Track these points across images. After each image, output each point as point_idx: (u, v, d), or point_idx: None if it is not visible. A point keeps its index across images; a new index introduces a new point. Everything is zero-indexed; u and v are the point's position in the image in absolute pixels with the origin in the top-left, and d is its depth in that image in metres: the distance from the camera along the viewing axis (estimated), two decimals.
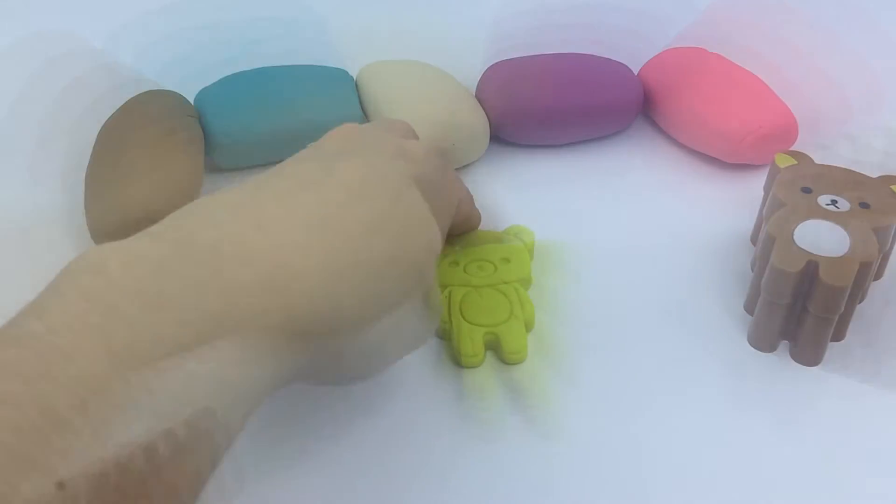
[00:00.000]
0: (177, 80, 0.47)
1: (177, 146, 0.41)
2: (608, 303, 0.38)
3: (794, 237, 0.34)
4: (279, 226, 0.25)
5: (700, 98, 0.46)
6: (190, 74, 0.48)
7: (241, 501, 0.30)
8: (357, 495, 0.30)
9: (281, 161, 0.29)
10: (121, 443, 0.18)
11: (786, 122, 0.45)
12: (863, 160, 0.39)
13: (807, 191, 0.36)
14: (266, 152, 0.44)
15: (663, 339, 0.36)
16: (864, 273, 0.33)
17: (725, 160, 0.46)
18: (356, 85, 0.48)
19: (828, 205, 0.36)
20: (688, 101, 0.46)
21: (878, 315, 0.37)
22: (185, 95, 0.46)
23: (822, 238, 0.34)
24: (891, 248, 0.37)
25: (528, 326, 0.36)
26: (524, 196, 0.45)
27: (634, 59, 0.50)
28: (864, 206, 0.36)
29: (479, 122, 0.45)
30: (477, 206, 0.39)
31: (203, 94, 0.46)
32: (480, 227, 0.40)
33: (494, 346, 0.35)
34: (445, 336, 0.36)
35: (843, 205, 0.36)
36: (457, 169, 0.46)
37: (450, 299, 0.36)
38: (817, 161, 0.39)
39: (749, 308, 0.37)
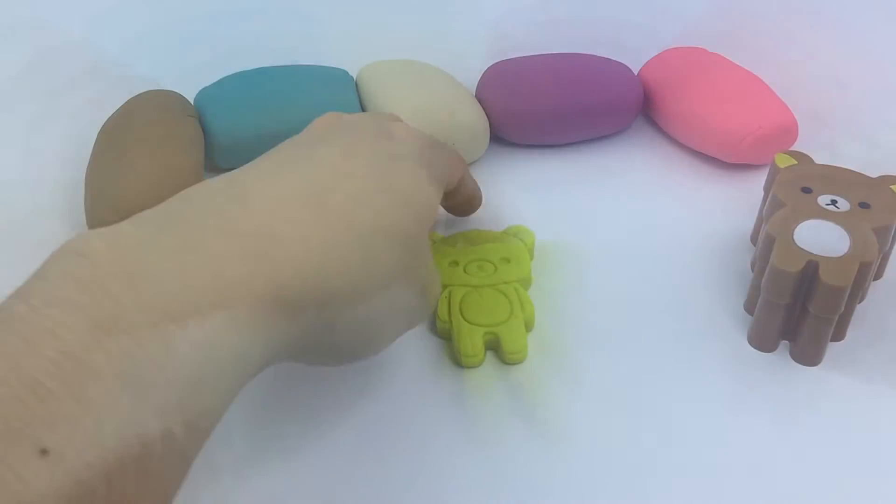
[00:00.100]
0: (177, 80, 0.47)
1: (177, 146, 0.41)
2: (608, 303, 0.38)
3: (794, 237, 0.34)
4: (263, 200, 0.25)
5: (700, 98, 0.46)
6: (190, 74, 0.48)
7: (238, 499, 0.30)
8: (356, 495, 0.30)
9: None
10: (107, 414, 0.18)
11: (786, 122, 0.45)
12: (863, 160, 0.39)
13: (807, 191, 0.36)
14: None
15: (663, 338, 0.36)
16: (864, 273, 0.33)
17: (725, 160, 0.46)
18: (356, 85, 0.48)
19: (828, 205, 0.36)
20: (688, 101, 0.46)
21: (878, 315, 0.37)
22: (185, 95, 0.46)
23: (822, 238, 0.34)
24: (891, 248, 0.37)
25: (528, 326, 0.36)
26: (524, 196, 0.45)
27: (634, 59, 0.50)
28: (864, 206, 0.36)
29: (479, 122, 0.45)
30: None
31: (203, 94, 0.46)
32: (480, 228, 0.40)
33: (494, 346, 0.35)
34: (445, 336, 0.36)
35: (843, 205, 0.36)
36: None
37: (450, 299, 0.36)
38: (818, 161, 0.39)
39: (749, 308, 0.37)
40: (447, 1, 0.64)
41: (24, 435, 0.17)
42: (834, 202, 0.36)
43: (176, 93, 0.46)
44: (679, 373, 0.34)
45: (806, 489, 0.30)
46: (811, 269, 0.33)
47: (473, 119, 0.45)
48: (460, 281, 0.37)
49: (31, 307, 0.19)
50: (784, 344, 0.35)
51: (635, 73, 0.50)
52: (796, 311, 0.34)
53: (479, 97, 0.48)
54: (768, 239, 0.34)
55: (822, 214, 0.35)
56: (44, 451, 0.17)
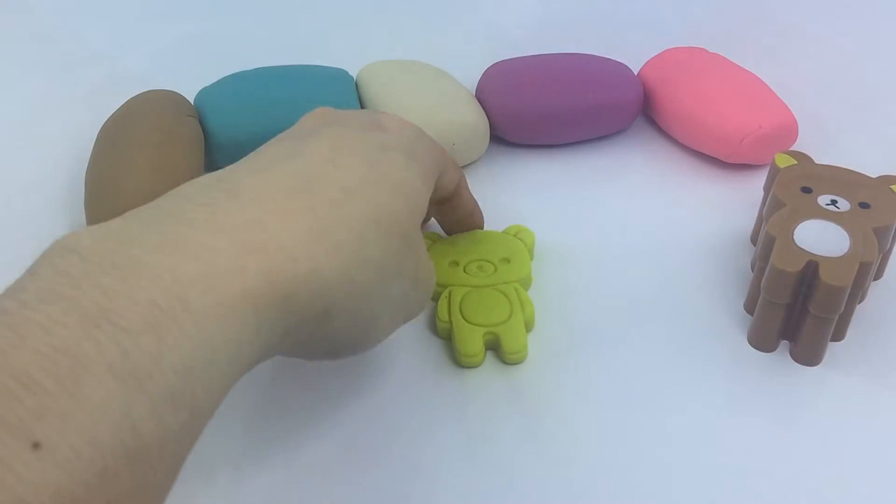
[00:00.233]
0: (177, 80, 0.47)
1: (177, 146, 0.41)
2: (608, 303, 0.38)
3: (794, 237, 0.34)
4: (252, 193, 0.25)
5: (700, 98, 0.46)
6: (190, 74, 0.48)
7: (237, 498, 0.30)
8: (356, 495, 0.30)
9: None
10: (100, 405, 0.18)
11: (786, 122, 0.45)
12: (863, 160, 0.39)
13: (807, 191, 0.36)
14: None
15: (663, 338, 0.36)
16: (864, 273, 0.33)
17: (725, 160, 0.46)
18: (356, 85, 0.48)
19: (828, 205, 0.36)
20: (688, 101, 0.46)
21: (878, 315, 0.37)
22: (185, 95, 0.46)
23: (822, 238, 0.34)
24: (891, 248, 0.37)
25: (528, 326, 0.36)
26: (524, 196, 0.45)
27: (634, 59, 0.50)
28: (864, 206, 0.36)
29: (479, 122, 0.45)
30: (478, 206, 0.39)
31: (203, 94, 0.46)
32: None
33: (494, 346, 0.35)
34: (445, 336, 0.36)
35: (843, 205, 0.36)
36: None
37: (450, 299, 0.36)
38: (818, 161, 0.39)
39: (749, 308, 0.37)
40: (447, 1, 0.64)
41: (15, 429, 0.17)
42: (834, 202, 0.36)
43: (176, 93, 0.46)
44: (679, 373, 0.34)
45: (806, 489, 0.30)
46: (811, 269, 0.33)
47: (473, 119, 0.45)
48: (460, 281, 0.37)
49: (22, 303, 0.19)
50: (784, 344, 0.35)
51: (635, 73, 0.50)
52: (796, 311, 0.34)
53: (479, 97, 0.48)
54: (768, 239, 0.34)
55: (822, 214, 0.35)
56: (36, 445, 0.17)
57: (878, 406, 0.33)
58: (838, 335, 0.35)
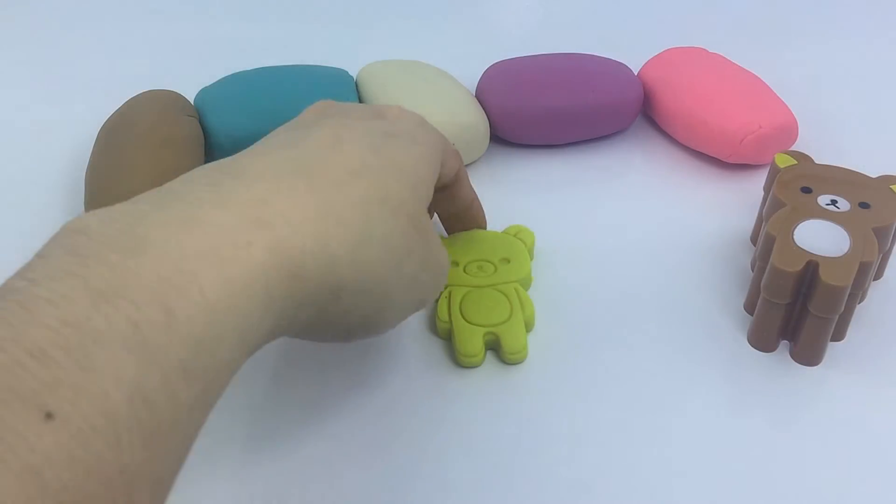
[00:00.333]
0: (177, 80, 0.47)
1: (177, 146, 0.41)
2: (608, 303, 0.38)
3: (794, 237, 0.34)
4: (257, 175, 0.25)
5: (700, 98, 0.46)
6: (190, 74, 0.48)
7: (237, 496, 0.30)
8: (356, 494, 0.30)
9: None
10: (111, 378, 0.18)
11: (786, 122, 0.45)
12: (863, 160, 0.39)
13: (807, 191, 0.36)
14: None
15: (663, 338, 0.36)
16: (864, 273, 0.33)
17: (725, 160, 0.46)
18: (356, 85, 0.48)
19: (828, 205, 0.36)
20: (688, 101, 0.46)
21: (878, 315, 0.37)
22: (185, 95, 0.46)
23: (822, 238, 0.34)
24: (891, 248, 0.37)
25: (528, 326, 0.36)
26: (524, 196, 0.45)
27: (634, 59, 0.50)
28: (864, 206, 0.36)
29: (479, 122, 0.45)
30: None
31: (203, 94, 0.46)
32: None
33: (494, 346, 0.35)
34: (445, 336, 0.36)
35: (843, 205, 0.36)
36: None
37: (450, 299, 0.36)
38: (818, 161, 0.39)
39: (749, 308, 0.37)
40: (447, 1, 0.64)
41: (28, 400, 0.17)
42: (834, 202, 0.36)
43: (176, 93, 0.46)
44: (679, 372, 0.34)
45: (806, 489, 0.30)
46: (811, 269, 0.33)
47: (473, 119, 0.45)
48: (460, 281, 0.37)
49: (31, 281, 0.19)
50: (784, 344, 0.35)
51: (635, 73, 0.50)
52: (796, 311, 0.34)
53: (479, 97, 0.48)
54: (768, 239, 0.34)
55: (822, 214, 0.35)
56: (49, 416, 0.17)
57: (878, 406, 0.33)
58: (838, 335, 0.35)
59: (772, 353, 0.35)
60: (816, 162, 0.39)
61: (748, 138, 0.44)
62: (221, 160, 0.27)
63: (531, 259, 0.39)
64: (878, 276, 0.38)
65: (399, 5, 0.64)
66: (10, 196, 0.45)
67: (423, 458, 0.31)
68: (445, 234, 0.40)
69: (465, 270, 0.37)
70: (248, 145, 0.29)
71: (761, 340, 0.35)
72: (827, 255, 0.33)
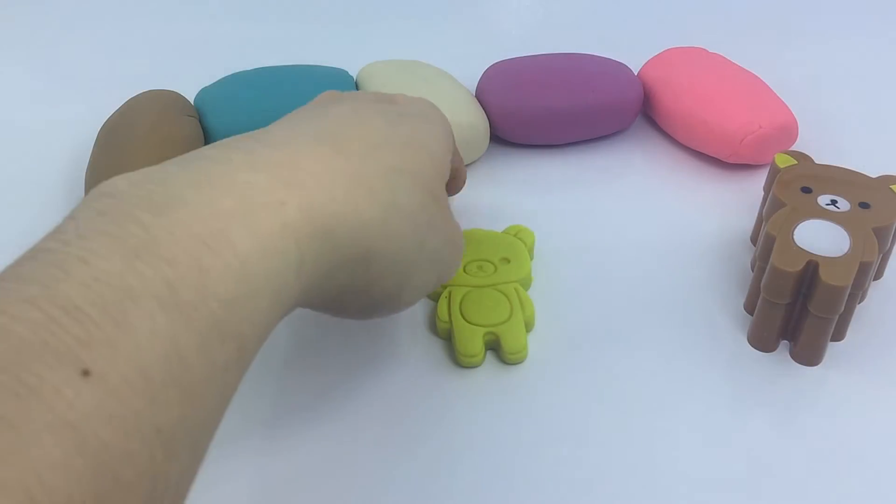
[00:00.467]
0: (177, 80, 0.47)
1: (177, 146, 0.41)
2: (608, 303, 0.38)
3: (794, 237, 0.34)
4: (285, 142, 0.25)
5: (700, 98, 0.46)
6: (190, 74, 0.48)
7: (237, 495, 0.30)
8: (355, 494, 0.30)
9: None
10: (146, 335, 0.18)
11: (786, 122, 0.45)
12: (863, 160, 0.39)
13: (807, 191, 0.36)
14: None
15: (663, 339, 0.36)
16: (864, 273, 0.33)
17: (725, 160, 0.46)
18: (356, 85, 0.48)
19: (828, 205, 0.36)
20: (688, 101, 0.46)
21: (878, 315, 0.37)
22: (185, 95, 0.46)
23: (822, 238, 0.34)
24: (891, 248, 0.37)
25: (528, 326, 0.36)
26: (524, 196, 0.45)
27: (634, 59, 0.50)
28: (864, 206, 0.36)
29: (479, 122, 0.45)
30: (477, 206, 0.39)
31: (203, 94, 0.46)
32: (480, 228, 0.40)
33: (494, 346, 0.35)
34: (445, 336, 0.36)
35: (843, 205, 0.36)
36: None
37: (450, 299, 0.36)
38: (818, 161, 0.39)
39: (749, 308, 0.37)
40: (447, 1, 0.64)
41: (65, 357, 0.17)
42: (834, 202, 0.36)
43: (176, 93, 0.46)
44: (679, 372, 0.34)
45: (806, 489, 0.30)
46: (811, 269, 0.33)
47: (473, 119, 0.45)
48: (460, 281, 0.37)
49: (63, 242, 0.19)
50: (784, 344, 0.35)
51: (635, 73, 0.50)
52: (796, 311, 0.34)
53: (479, 97, 0.48)
54: (768, 239, 0.34)
55: (822, 214, 0.35)
56: (85, 372, 0.17)
57: (878, 406, 0.33)
58: (838, 335, 0.35)
59: (772, 353, 0.35)
60: (816, 162, 0.39)
61: (748, 138, 0.44)
62: (247, 133, 0.26)
63: (531, 259, 0.39)
64: (878, 276, 0.38)
65: (399, 5, 0.64)
66: (10, 196, 0.45)
67: (423, 458, 0.31)
68: None
69: (465, 270, 0.37)
70: None
71: (761, 340, 0.35)
72: (827, 255, 0.33)
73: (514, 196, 0.44)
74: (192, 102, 0.46)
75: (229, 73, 0.48)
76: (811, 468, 0.31)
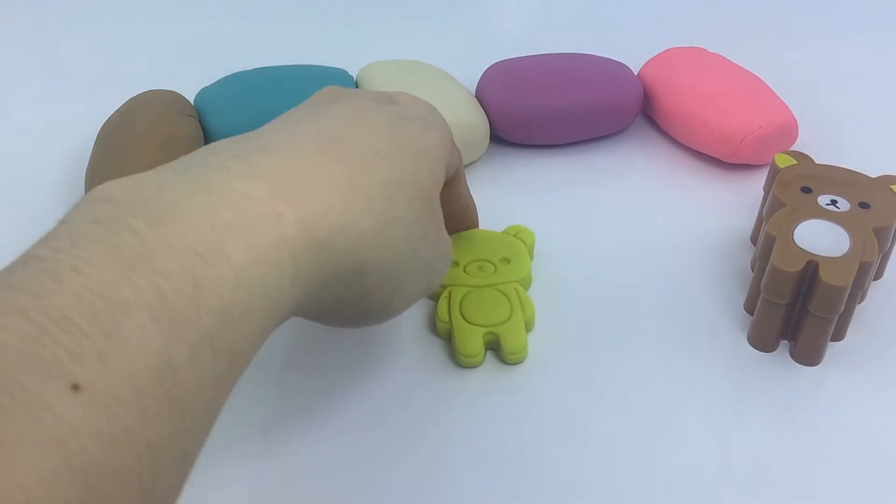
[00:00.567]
0: (177, 80, 0.47)
1: (177, 146, 0.41)
2: (608, 303, 0.38)
3: (794, 237, 0.34)
4: (282, 148, 0.25)
5: (700, 98, 0.46)
6: (190, 74, 0.48)
7: (237, 494, 0.30)
8: (355, 494, 0.30)
9: None
10: (138, 349, 0.18)
11: (786, 122, 0.45)
12: (863, 160, 0.39)
13: (807, 191, 0.36)
14: None
15: (663, 339, 0.36)
16: (864, 273, 0.33)
17: (725, 160, 0.46)
18: (356, 85, 0.48)
19: (828, 205, 0.36)
20: (688, 101, 0.46)
21: (878, 315, 0.37)
22: (185, 95, 0.46)
23: (822, 238, 0.34)
24: (891, 248, 0.37)
25: (528, 326, 0.36)
26: (524, 196, 0.45)
27: (634, 59, 0.50)
28: (864, 206, 0.36)
29: (479, 122, 0.45)
30: (477, 206, 0.39)
31: (203, 94, 0.46)
32: (480, 228, 0.40)
33: (494, 346, 0.35)
34: (445, 336, 0.36)
35: (843, 205, 0.36)
36: None
37: (450, 299, 0.36)
38: (818, 161, 0.39)
39: (749, 308, 0.37)
40: (447, 1, 0.64)
41: (55, 370, 0.17)
42: (834, 202, 0.36)
43: (176, 93, 0.46)
44: (679, 373, 0.34)
45: (806, 489, 0.30)
46: (811, 269, 0.33)
47: (473, 119, 0.45)
48: (460, 281, 0.37)
49: (56, 249, 0.19)
50: (784, 344, 0.35)
51: (635, 73, 0.50)
52: (796, 311, 0.34)
53: (479, 97, 0.48)
54: (768, 239, 0.34)
55: (822, 214, 0.35)
56: (75, 387, 0.17)
57: (878, 406, 0.33)
58: (838, 335, 0.35)
59: (772, 353, 0.35)
60: (816, 162, 0.39)
61: (748, 138, 0.44)
62: (243, 134, 0.26)
63: (531, 259, 0.39)
64: (878, 276, 0.38)
65: (399, 5, 0.64)
66: (10, 196, 0.45)
67: (423, 459, 0.31)
68: None
69: (465, 270, 0.37)
70: None
71: (761, 340, 0.35)
72: (827, 255, 0.33)
73: (514, 196, 0.44)
74: (192, 102, 0.46)
75: (229, 73, 0.48)
76: (811, 468, 0.31)
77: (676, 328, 0.36)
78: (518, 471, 0.31)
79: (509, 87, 0.47)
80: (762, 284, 0.34)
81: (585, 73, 0.48)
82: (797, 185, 0.37)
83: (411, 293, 0.29)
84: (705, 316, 0.37)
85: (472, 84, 0.49)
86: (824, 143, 0.46)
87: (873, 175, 0.38)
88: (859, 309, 0.36)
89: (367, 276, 0.26)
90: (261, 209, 0.22)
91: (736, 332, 0.36)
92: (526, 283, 0.38)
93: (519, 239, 0.39)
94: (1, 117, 0.52)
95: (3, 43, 0.60)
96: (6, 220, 0.43)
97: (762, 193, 0.40)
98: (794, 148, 0.45)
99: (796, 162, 0.39)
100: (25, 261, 0.19)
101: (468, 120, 0.45)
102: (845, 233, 0.34)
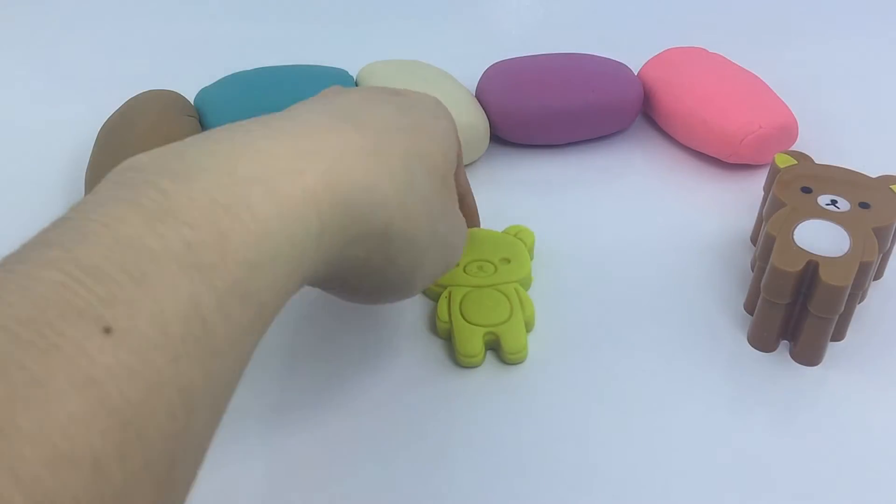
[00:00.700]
0: (177, 80, 0.47)
1: None
2: (608, 303, 0.38)
3: (794, 237, 0.34)
4: (303, 118, 0.25)
5: (700, 98, 0.46)
6: (190, 74, 0.48)
7: (237, 494, 0.30)
8: (355, 494, 0.30)
9: None
10: (167, 295, 0.18)
11: (786, 122, 0.45)
12: (863, 160, 0.39)
13: (807, 191, 0.36)
14: None
15: (663, 338, 0.36)
16: (864, 273, 0.33)
17: (725, 160, 0.46)
18: (356, 85, 0.48)
19: (828, 205, 0.36)
20: (688, 101, 0.46)
21: (878, 315, 0.37)
22: (185, 95, 0.46)
23: (822, 238, 0.34)
24: (891, 248, 0.37)
25: (528, 326, 0.36)
26: (524, 196, 0.45)
27: (634, 59, 0.50)
28: (864, 206, 0.36)
29: (479, 122, 0.45)
30: (477, 206, 0.39)
31: (203, 94, 0.46)
32: (480, 227, 0.40)
33: (494, 346, 0.35)
34: (445, 336, 0.36)
35: (843, 205, 0.36)
36: None
37: (450, 299, 0.36)
38: (818, 161, 0.39)
39: (749, 308, 0.37)
40: (447, 1, 0.64)
41: (86, 314, 0.17)
42: (834, 202, 0.36)
43: (176, 93, 0.46)
44: (679, 373, 0.34)
45: (806, 489, 0.30)
46: (811, 269, 0.33)
47: (473, 119, 0.45)
48: (460, 281, 0.37)
49: (83, 211, 0.20)
50: (784, 344, 0.35)
51: (635, 73, 0.50)
52: (796, 311, 0.34)
53: (479, 97, 0.48)
54: (768, 239, 0.34)
55: (822, 214, 0.35)
56: (107, 329, 0.17)
57: (878, 406, 0.33)
58: (838, 335, 0.35)
59: (772, 353, 0.35)
60: (816, 162, 0.39)
61: (748, 138, 0.44)
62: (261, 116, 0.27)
63: (531, 259, 0.39)
64: (878, 276, 0.38)
65: (399, 5, 0.64)
66: (10, 196, 0.45)
67: (423, 458, 0.31)
68: None
69: (465, 270, 0.37)
70: None
71: (761, 340, 0.35)
72: (827, 255, 0.33)
73: (514, 196, 0.44)
74: (192, 102, 0.46)
75: (229, 73, 0.48)
76: (811, 468, 0.31)
77: (676, 328, 0.36)
78: (518, 471, 0.31)
79: (509, 87, 0.47)
80: (762, 284, 0.34)
81: (585, 73, 0.48)
82: (797, 185, 0.37)
83: (431, 269, 0.29)
84: (705, 316, 0.37)
85: (472, 84, 0.49)
86: (824, 143, 0.46)
87: (873, 175, 0.38)
88: (859, 309, 0.36)
89: (390, 243, 0.26)
90: (283, 165, 0.23)
91: (736, 332, 0.36)
92: (526, 283, 0.38)
93: (519, 239, 0.39)
94: (1, 117, 0.52)
95: (3, 43, 0.60)
96: (6, 221, 0.43)
97: (762, 193, 0.40)
98: (794, 148, 0.45)
99: (796, 162, 0.39)
100: (55, 225, 0.20)
101: (468, 120, 0.45)
102: (845, 233, 0.34)
